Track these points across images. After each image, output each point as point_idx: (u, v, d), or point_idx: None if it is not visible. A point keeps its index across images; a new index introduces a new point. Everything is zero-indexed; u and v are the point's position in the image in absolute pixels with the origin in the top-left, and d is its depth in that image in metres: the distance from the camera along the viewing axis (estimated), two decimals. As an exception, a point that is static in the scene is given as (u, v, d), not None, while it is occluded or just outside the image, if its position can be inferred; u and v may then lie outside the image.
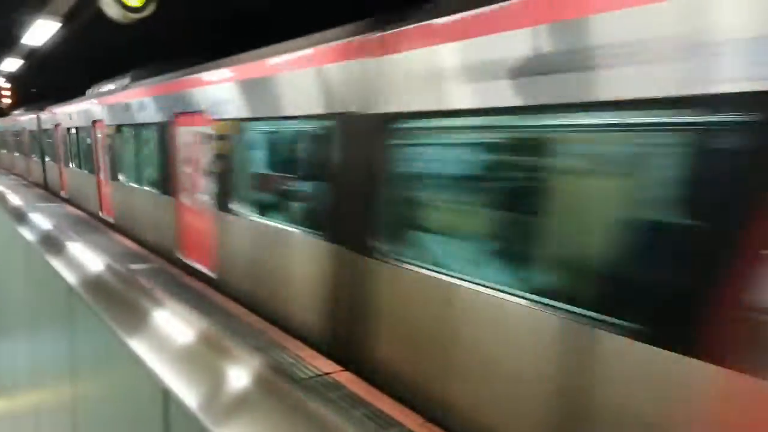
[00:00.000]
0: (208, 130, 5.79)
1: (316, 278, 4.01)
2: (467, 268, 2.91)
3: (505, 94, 2.65)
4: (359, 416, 2.72)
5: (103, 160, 10.18)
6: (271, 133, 4.98)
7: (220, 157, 5.56)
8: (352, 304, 3.65)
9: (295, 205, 4.58)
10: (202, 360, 1.84)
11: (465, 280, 2.86)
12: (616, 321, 2.26)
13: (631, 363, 2.18)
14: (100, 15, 7.57)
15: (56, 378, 3.22)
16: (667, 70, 2.08)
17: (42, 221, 4.12)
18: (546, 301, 2.52)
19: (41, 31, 10.31)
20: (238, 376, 1.69)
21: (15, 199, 5.65)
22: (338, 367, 3.81)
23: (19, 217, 4.49)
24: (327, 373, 3.73)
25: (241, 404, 1.58)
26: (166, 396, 1.70)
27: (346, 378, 3.50)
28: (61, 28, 10.26)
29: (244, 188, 5.28)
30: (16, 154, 20.69)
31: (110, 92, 9.66)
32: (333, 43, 3.87)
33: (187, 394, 1.63)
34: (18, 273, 4.15)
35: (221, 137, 5.49)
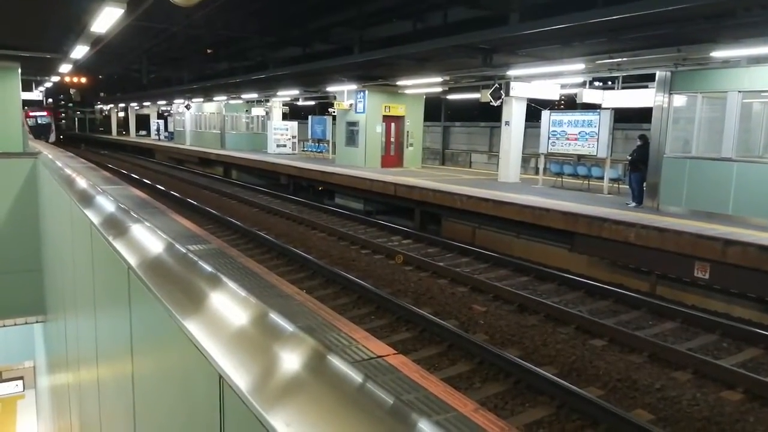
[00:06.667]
0: None
1: None
2: None
3: None
4: (411, 401, 2.66)
5: None
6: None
7: None
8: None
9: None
10: (256, 343, 1.84)
11: None
12: None
13: None
14: (161, 2, 7.70)
15: (117, 356, 3.35)
16: None
17: (105, 203, 4.28)
18: None
19: (106, 18, 10.62)
20: (290, 360, 1.68)
21: (82, 183, 5.92)
22: (391, 350, 3.77)
23: (85, 199, 4.69)
24: (380, 356, 3.68)
25: (291, 388, 1.56)
26: (221, 380, 1.72)
27: (399, 361, 3.45)
28: (125, 15, 10.54)
29: None
30: None
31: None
32: None
33: (240, 378, 1.63)
34: (84, 252, 4.34)
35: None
